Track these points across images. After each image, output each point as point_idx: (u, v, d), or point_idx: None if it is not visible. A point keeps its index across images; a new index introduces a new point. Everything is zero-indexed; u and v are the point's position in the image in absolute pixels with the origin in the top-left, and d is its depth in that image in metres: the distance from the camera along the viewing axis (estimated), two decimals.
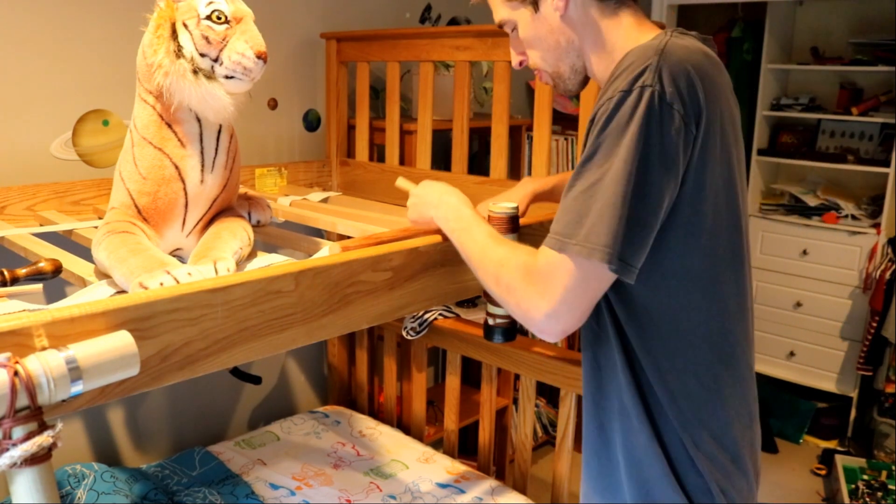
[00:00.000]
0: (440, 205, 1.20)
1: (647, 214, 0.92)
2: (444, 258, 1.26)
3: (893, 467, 2.89)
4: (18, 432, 0.76)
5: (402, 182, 1.35)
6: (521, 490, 2.05)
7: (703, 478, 1.04)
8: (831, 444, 3.29)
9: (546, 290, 0.94)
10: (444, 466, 2.11)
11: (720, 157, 0.97)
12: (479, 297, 1.42)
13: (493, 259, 1.04)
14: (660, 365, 1.02)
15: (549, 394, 3.09)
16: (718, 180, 0.98)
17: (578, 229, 0.91)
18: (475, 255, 1.08)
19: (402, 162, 2.22)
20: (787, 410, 3.43)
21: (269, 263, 1.24)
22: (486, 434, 2.18)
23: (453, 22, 2.77)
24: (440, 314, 2.11)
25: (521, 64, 1.20)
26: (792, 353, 3.51)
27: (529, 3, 1.11)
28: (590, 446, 1.16)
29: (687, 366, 1.02)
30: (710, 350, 1.04)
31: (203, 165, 1.27)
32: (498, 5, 1.16)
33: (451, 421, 2.25)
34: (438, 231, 1.23)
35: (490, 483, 2.04)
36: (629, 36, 1.05)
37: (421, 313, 2.09)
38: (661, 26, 1.14)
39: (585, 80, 1.16)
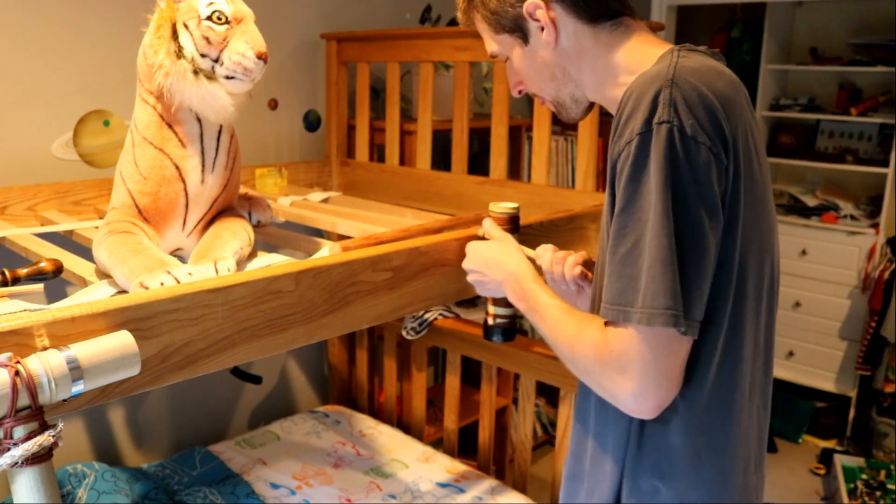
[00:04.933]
0: (502, 274, 1.13)
1: (700, 261, 0.84)
2: (443, 258, 1.26)
3: (892, 467, 2.89)
4: (19, 432, 0.76)
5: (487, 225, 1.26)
6: (521, 490, 2.06)
7: None
8: (830, 444, 3.30)
9: (624, 368, 0.86)
10: (444, 466, 2.12)
11: (747, 185, 0.89)
12: (479, 297, 1.42)
13: (562, 342, 0.97)
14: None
15: (548, 394, 3.09)
16: (748, 211, 0.90)
17: (635, 295, 0.84)
18: (549, 338, 1.01)
19: (402, 162, 2.22)
20: (787, 410, 3.43)
21: (270, 263, 1.24)
22: (486, 434, 2.19)
23: (453, 22, 2.77)
24: (440, 314, 2.11)
25: (519, 92, 1.13)
26: (791, 353, 3.52)
27: (518, 35, 1.04)
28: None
29: (682, 410, 0.94)
30: (715, 396, 0.94)
31: (203, 166, 1.27)
32: (487, 38, 1.09)
33: (451, 421, 2.26)
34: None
35: (490, 482, 2.05)
36: (633, 57, 0.99)
37: (421, 313, 2.09)
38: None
39: (589, 108, 1.09)
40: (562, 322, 0.98)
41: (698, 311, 0.85)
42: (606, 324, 0.89)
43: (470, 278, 1.21)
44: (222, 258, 1.18)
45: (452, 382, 2.22)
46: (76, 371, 0.78)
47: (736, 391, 0.96)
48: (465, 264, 1.21)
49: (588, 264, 1.20)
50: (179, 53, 1.19)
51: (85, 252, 1.37)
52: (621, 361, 0.86)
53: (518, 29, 1.03)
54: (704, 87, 0.85)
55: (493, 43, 1.09)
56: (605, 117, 2.11)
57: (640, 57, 0.97)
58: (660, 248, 0.82)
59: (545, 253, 1.20)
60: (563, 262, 1.17)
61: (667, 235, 0.82)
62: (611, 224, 0.90)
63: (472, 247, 1.21)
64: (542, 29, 1.00)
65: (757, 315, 0.96)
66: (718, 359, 0.93)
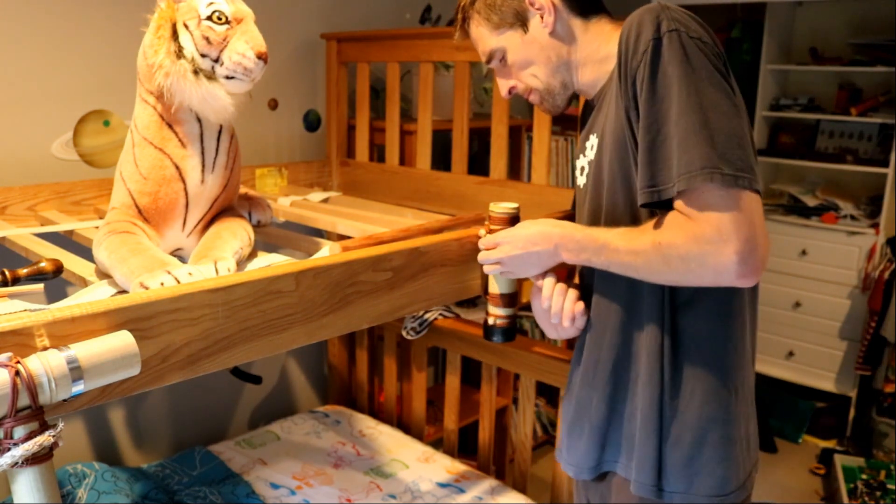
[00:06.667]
0: (553, 241, 1.12)
1: (737, 125, 0.93)
2: (443, 258, 1.26)
3: (892, 467, 2.89)
4: (20, 432, 0.76)
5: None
6: (521, 490, 2.06)
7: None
8: (830, 444, 3.29)
9: (719, 233, 0.90)
10: (444, 466, 2.12)
11: (738, 93, 0.99)
12: (479, 297, 1.41)
13: (646, 250, 0.98)
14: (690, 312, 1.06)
15: (549, 394, 3.09)
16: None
17: (692, 164, 0.91)
18: (630, 261, 1.02)
19: (402, 162, 2.22)
20: (786, 410, 3.43)
21: (270, 263, 1.24)
22: (485, 434, 2.19)
23: (453, 22, 2.77)
24: (440, 314, 2.11)
25: (510, 91, 1.22)
26: (791, 353, 3.52)
27: (518, 26, 1.16)
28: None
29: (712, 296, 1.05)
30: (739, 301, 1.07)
31: (204, 166, 1.27)
32: (485, 36, 1.19)
33: (451, 421, 2.26)
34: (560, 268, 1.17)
35: (490, 482, 2.05)
36: (611, 37, 1.12)
37: (421, 313, 2.09)
38: None
39: (572, 98, 1.21)
40: (634, 236, 1.02)
41: (747, 160, 0.91)
42: (677, 205, 0.94)
43: (511, 265, 1.18)
44: (222, 258, 1.18)
45: (452, 382, 2.22)
46: (76, 371, 0.78)
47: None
48: (505, 251, 1.17)
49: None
50: (179, 53, 1.19)
51: (85, 252, 1.37)
52: (711, 227, 0.91)
53: (518, 20, 1.16)
54: (693, 15, 0.99)
55: (491, 39, 1.18)
56: None
57: (617, 36, 1.06)
58: (695, 122, 0.91)
59: (549, 280, 1.17)
60: (564, 293, 1.16)
61: (699, 109, 0.91)
62: (626, 140, 1.02)
63: (506, 234, 1.18)
64: (542, 16, 1.14)
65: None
66: None
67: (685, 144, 0.92)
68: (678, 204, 0.95)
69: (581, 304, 1.16)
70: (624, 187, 1.06)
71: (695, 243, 0.92)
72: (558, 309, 1.15)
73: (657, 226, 0.99)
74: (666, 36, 0.95)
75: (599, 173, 1.11)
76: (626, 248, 1.02)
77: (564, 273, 1.21)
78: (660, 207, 0.99)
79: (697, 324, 1.07)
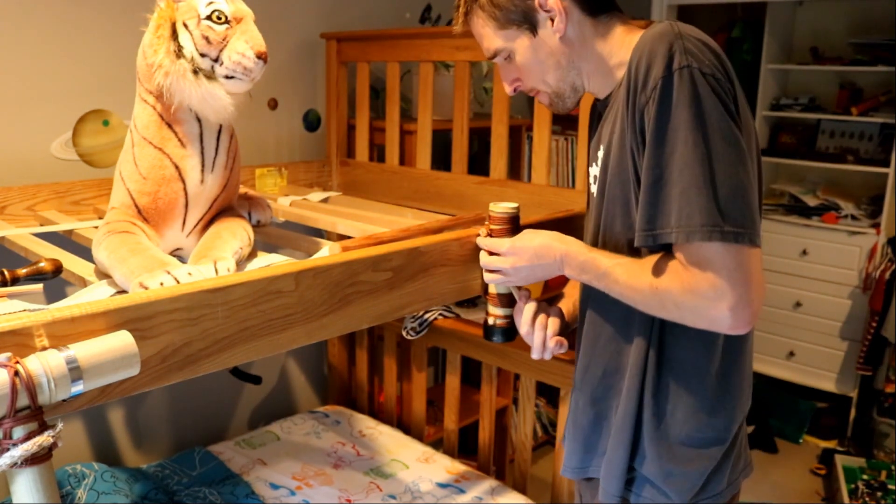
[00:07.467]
0: (557, 256, 1.12)
1: (743, 177, 0.91)
2: (444, 258, 1.26)
3: (893, 467, 2.89)
4: (19, 432, 0.76)
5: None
6: (521, 490, 2.06)
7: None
8: (831, 444, 3.29)
9: (714, 289, 0.90)
10: (444, 466, 2.12)
11: (749, 124, 0.98)
12: (479, 297, 1.41)
13: (644, 290, 0.99)
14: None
15: (549, 394, 3.08)
16: (753, 148, 0.98)
17: (692, 217, 0.90)
18: (629, 295, 1.03)
19: (402, 162, 2.22)
20: (787, 410, 3.43)
21: (270, 263, 1.24)
22: (486, 434, 2.18)
23: (453, 22, 2.77)
24: (440, 314, 2.11)
25: (514, 90, 1.18)
26: (792, 353, 3.51)
27: (526, 28, 1.10)
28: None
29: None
30: None
31: (203, 165, 1.27)
32: (490, 36, 1.14)
33: (451, 421, 2.26)
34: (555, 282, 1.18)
35: (490, 483, 2.04)
36: (623, 42, 1.08)
37: (421, 313, 2.09)
38: (646, 25, 1.15)
39: (580, 99, 1.18)
40: (635, 272, 1.01)
41: (748, 221, 0.91)
42: (678, 254, 0.94)
43: (516, 277, 1.18)
44: (222, 258, 1.18)
45: (452, 382, 2.21)
46: (76, 371, 0.78)
47: None
48: (511, 262, 1.17)
49: (563, 326, 1.22)
50: (179, 53, 1.19)
51: (84, 252, 1.37)
52: (706, 281, 0.91)
53: (527, 21, 1.09)
54: (705, 40, 0.96)
55: (497, 39, 1.13)
56: None
57: (629, 42, 1.06)
58: (693, 175, 0.90)
59: (528, 311, 1.19)
60: (544, 329, 1.18)
61: (706, 162, 0.90)
62: (628, 169, 1.01)
63: (511, 245, 1.17)
64: (552, 20, 1.08)
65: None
66: None
67: (688, 195, 0.90)
68: (677, 254, 0.95)
69: (556, 339, 1.18)
70: (623, 212, 1.06)
71: (690, 295, 0.93)
72: (539, 344, 1.18)
73: (656, 268, 0.98)
74: (677, 73, 0.92)
75: (602, 190, 1.11)
76: (625, 283, 1.02)
77: (560, 280, 1.21)
78: (655, 250, 0.99)
79: (685, 342, 1.06)
